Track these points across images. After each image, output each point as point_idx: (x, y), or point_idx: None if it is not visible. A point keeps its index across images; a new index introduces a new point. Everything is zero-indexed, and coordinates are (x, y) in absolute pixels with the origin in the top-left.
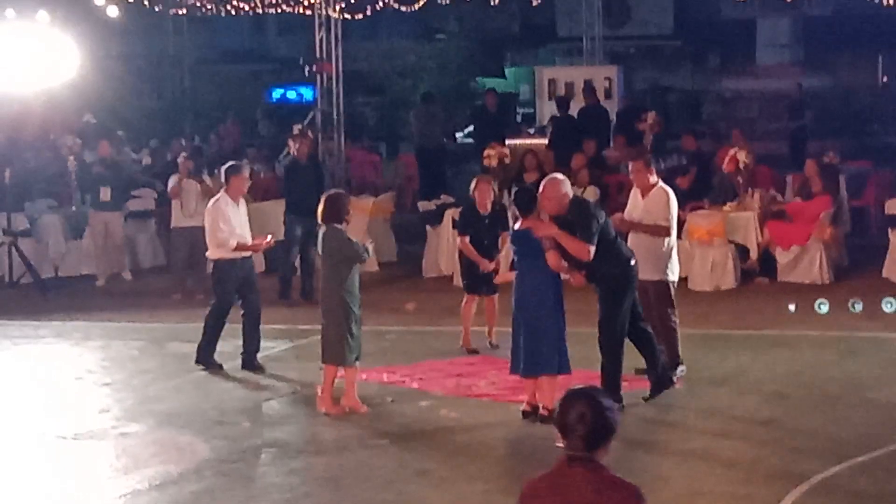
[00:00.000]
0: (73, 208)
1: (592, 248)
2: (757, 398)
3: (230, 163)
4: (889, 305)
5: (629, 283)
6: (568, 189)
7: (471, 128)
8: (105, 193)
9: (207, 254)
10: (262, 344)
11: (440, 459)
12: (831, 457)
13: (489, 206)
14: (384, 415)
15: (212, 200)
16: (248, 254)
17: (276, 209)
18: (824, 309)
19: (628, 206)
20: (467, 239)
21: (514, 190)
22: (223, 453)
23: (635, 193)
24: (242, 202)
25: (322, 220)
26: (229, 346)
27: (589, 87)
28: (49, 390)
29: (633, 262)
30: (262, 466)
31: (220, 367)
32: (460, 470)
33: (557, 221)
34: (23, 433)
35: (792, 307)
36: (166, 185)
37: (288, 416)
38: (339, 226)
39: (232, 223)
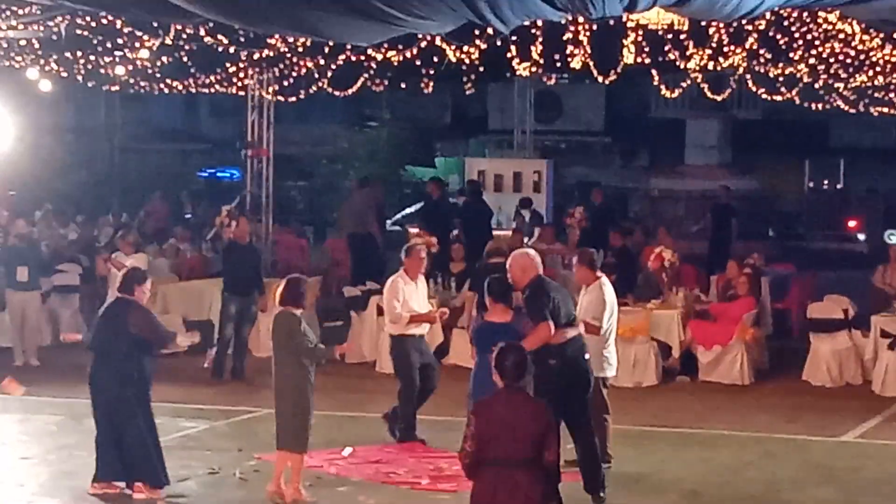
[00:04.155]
0: None
1: (550, 323)
2: (674, 496)
3: (408, 244)
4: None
5: (566, 380)
6: (531, 264)
7: (410, 209)
8: (21, 274)
9: (385, 329)
10: (181, 423)
11: None
12: None
13: None
14: (301, 500)
15: (390, 279)
16: (422, 330)
17: (202, 288)
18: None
19: (578, 300)
20: None
21: (486, 280)
22: None
23: (582, 289)
24: (421, 279)
25: (280, 302)
26: None
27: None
28: None
29: (582, 359)
30: None
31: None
32: None
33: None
34: None
35: None
36: (91, 261)
37: (204, 497)
38: (295, 311)
39: (407, 300)
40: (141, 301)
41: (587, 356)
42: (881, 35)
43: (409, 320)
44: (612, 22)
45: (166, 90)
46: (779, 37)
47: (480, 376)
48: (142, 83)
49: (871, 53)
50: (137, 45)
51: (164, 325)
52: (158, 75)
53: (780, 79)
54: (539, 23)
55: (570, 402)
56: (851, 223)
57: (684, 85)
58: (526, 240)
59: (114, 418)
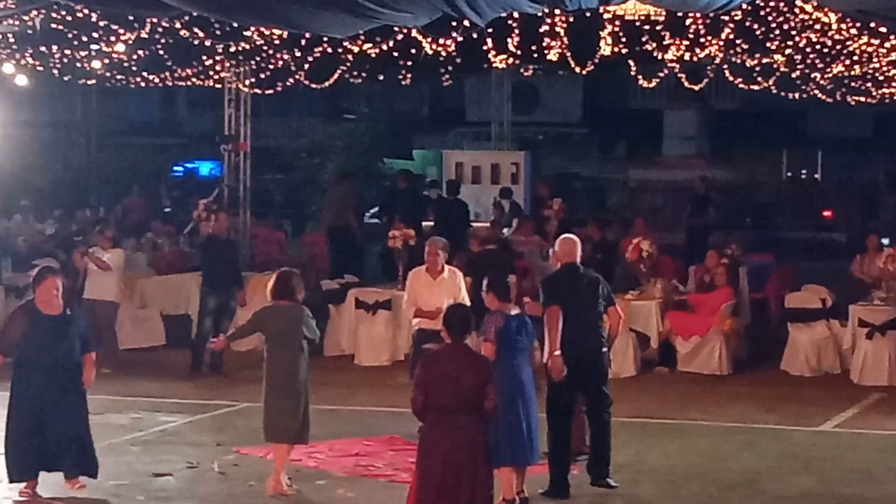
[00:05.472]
0: None
1: (555, 308)
2: (651, 487)
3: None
4: None
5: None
6: (565, 251)
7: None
8: None
9: None
10: (160, 418)
11: None
12: None
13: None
14: (283, 494)
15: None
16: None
17: (180, 282)
18: None
19: None
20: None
21: (486, 279)
22: None
23: None
24: (451, 274)
25: (273, 297)
26: (125, 419)
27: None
28: None
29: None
30: None
31: None
32: None
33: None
34: None
35: None
36: (69, 255)
37: (182, 491)
38: (293, 304)
39: (417, 294)
40: (39, 300)
41: (604, 350)
42: (857, 25)
43: (414, 314)
44: (588, 13)
45: (143, 84)
46: (755, 27)
47: (509, 371)
48: (118, 77)
49: (847, 43)
50: (113, 38)
51: (8, 339)
52: (135, 69)
53: (757, 69)
54: (515, 15)
55: (587, 391)
56: (826, 213)
57: (662, 75)
58: (505, 231)
59: None
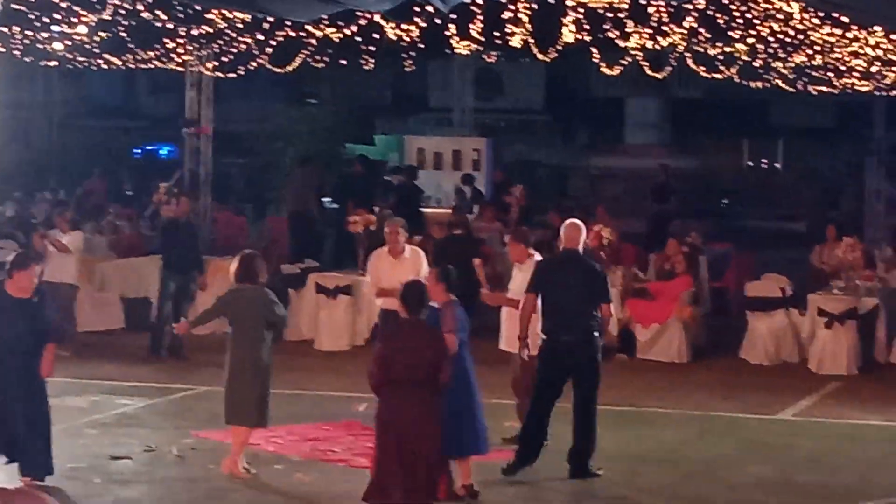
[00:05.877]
0: None
1: (530, 296)
2: (610, 474)
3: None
4: None
5: (539, 355)
6: (568, 237)
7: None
8: None
9: None
10: (118, 401)
11: None
12: None
13: None
14: (237, 477)
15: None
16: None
17: (140, 265)
18: None
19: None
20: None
21: (434, 269)
22: None
23: (517, 266)
24: (414, 255)
25: (236, 279)
26: (83, 402)
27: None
28: None
29: (543, 338)
30: None
31: None
32: None
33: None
34: None
35: None
36: (28, 238)
37: (140, 475)
38: (257, 286)
39: (380, 275)
40: (13, 284)
41: (596, 333)
42: (819, 15)
43: (377, 294)
44: (551, 0)
45: (104, 66)
46: (718, 16)
47: (465, 363)
48: (80, 59)
49: (809, 33)
50: (75, 20)
51: None
52: (96, 51)
53: (720, 57)
54: (479, 1)
55: (576, 381)
56: (785, 202)
57: (624, 63)
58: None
59: None
